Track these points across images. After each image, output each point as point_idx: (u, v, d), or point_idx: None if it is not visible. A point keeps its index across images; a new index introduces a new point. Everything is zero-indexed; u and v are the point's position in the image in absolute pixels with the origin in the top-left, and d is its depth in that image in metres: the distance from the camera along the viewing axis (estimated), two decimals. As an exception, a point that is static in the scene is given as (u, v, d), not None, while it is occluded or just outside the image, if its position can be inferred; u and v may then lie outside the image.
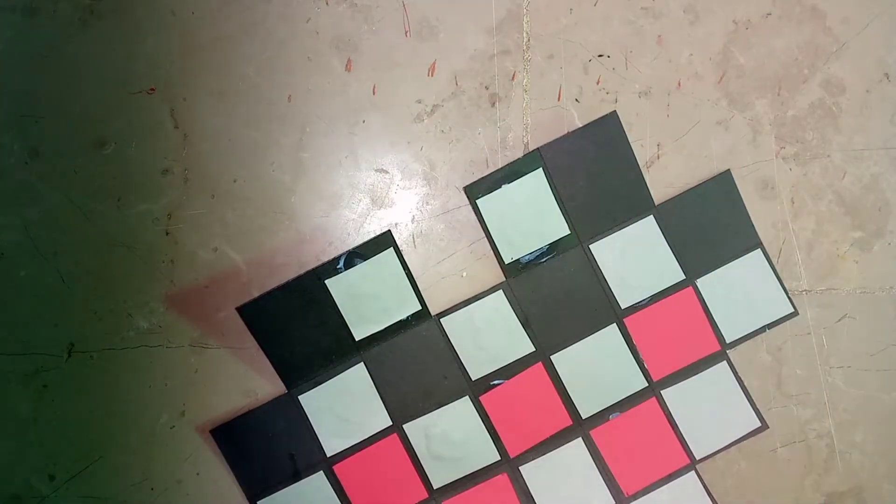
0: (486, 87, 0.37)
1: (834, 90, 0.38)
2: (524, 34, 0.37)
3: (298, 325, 0.37)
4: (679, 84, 0.37)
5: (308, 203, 0.37)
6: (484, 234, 0.37)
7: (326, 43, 0.37)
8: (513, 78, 0.37)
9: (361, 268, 0.37)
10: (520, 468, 0.38)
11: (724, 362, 0.38)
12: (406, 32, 0.37)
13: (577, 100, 0.37)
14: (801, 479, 0.39)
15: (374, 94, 0.37)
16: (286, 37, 0.37)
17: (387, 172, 0.37)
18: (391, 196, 0.37)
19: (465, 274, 0.37)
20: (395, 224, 0.37)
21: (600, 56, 0.37)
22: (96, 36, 0.36)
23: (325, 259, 0.37)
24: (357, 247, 0.37)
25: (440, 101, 0.37)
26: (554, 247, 0.37)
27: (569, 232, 0.37)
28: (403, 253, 0.37)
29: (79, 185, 0.37)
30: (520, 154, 0.37)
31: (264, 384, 0.37)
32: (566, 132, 0.37)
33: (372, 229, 0.37)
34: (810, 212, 0.38)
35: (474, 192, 0.37)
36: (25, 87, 0.36)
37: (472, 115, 0.37)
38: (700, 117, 0.37)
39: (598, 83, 0.37)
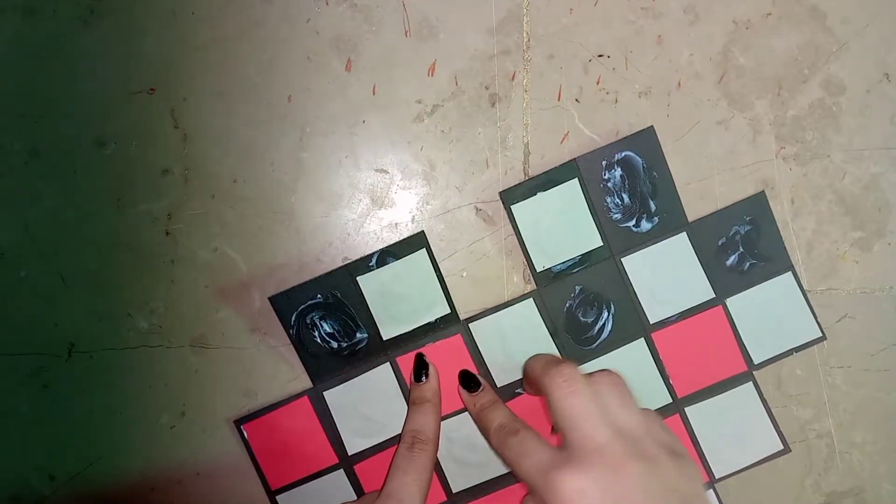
0: (486, 87, 0.37)
1: (834, 90, 0.38)
2: (524, 34, 0.37)
3: (328, 320, 0.37)
4: (679, 84, 0.37)
5: (308, 203, 0.37)
6: (480, 237, 0.37)
7: (326, 43, 0.37)
8: (513, 78, 0.37)
9: (393, 267, 0.37)
10: None
11: (750, 383, 0.38)
12: (406, 32, 0.37)
13: (577, 100, 0.37)
14: (801, 479, 0.39)
15: (374, 94, 0.37)
16: (286, 37, 0.37)
17: (387, 172, 0.37)
18: (391, 196, 0.37)
19: (465, 274, 0.37)
20: (395, 224, 0.37)
21: (600, 56, 0.37)
22: (96, 36, 0.36)
23: (325, 259, 0.37)
24: (390, 245, 0.37)
25: (440, 101, 0.37)
26: (586, 258, 0.37)
27: (601, 244, 0.37)
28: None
29: (79, 185, 0.37)
30: (520, 154, 0.37)
31: (264, 384, 0.37)
32: (603, 144, 0.36)
33: (372, 229, 0.37)
34: (810, 212, 0.38)
35: (510, 197, 0.37)
36: (25, 86, 0.36)
37: (472, 115, 0.37)
38: (700, 117, 0.37)
39: (598, 83, 0.37)
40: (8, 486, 0.38)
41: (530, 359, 0.35)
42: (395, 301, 0.37)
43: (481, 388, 0.36)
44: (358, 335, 0.37)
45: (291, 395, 0.37)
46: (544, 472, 0.27)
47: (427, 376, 0.36)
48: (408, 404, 0.37)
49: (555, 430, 0.28)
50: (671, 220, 0.37)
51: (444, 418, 0.37)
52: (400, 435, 0.36)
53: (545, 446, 0.29)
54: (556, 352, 0.37)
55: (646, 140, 0.37)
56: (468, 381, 0.36)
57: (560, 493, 0.26)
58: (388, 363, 0.37)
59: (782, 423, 0.38)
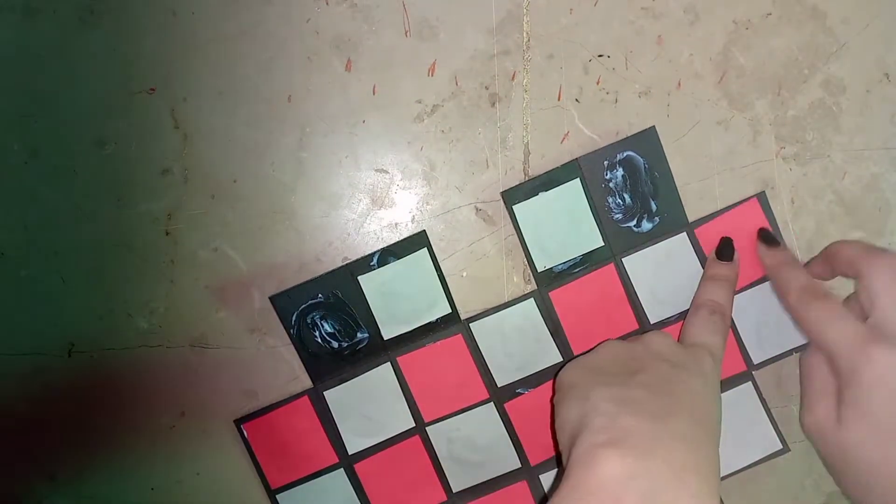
0: (486, 87, 0.37)
1: (834, 90, 0.38)
2: (524, 34, 0.37)
3: (329, 320, 0.37)
4: (679, 84, 0.37)
5: (308, 203, 0.37)
6: (480, 237, 0.37)
7: (326, 43, 0.37)
8: (513, 78, 0.37)
9: (395, 266, 0.37)
10: (539, 477, 0.38)
11: (749, 383, 0.38)
12: (406, 32, 0.37)
13: (577, 100, 0.37)
14: (801, 479, 0.39)
15: (374, 94, 0.37)
16: (286, 37, 0.37)
17: (387, 172, 0.37)
18: (391, 196, 0.37)
19: (465, 274, 0.37)
20: (395, 224, 0.37)
21: (600, 56, 0.37)
22: (96, 36, 0.36)
23: (325, 259, 0.37)
24: (391, 245, 0.37)
25: (440, 101, 0.37)
26: (587, 258, 0.37)
27: (602, 244, 0.37)
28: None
29: (79, 185, 0.37)
30: (520, 154, 0.37)
31: (264, 384, 0.37)
32: (603, 144, 0.36)
33: (372, 229, 0.37)
34: (810, 212, 0.38)
35: (511, 197, 0.37)
36: (25, 86, 0.36)
37: (472, 115, 0.37)
38: (700, 117, 0.37)
39: (598, 83, 0.37)
40: (9, 487, 0.38)
41: (841, 242, 0.35)
42: (396, 300, 0.37)
43: (781, 244, 0.36)
44: (359, 335, 0.37)
45: (291, 394, 0.37)
46: (859, 342, 0.27)
47: (733, 257, 0.36)
48: (702, 279, 0.36)
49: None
50: (672, 221, 0.37)
51: (443, 418, 0.38)
52: (692, 304, 0.35)
53: (853, 316, 0.29)
54: (556, 352, 0.38)
55: (647, 140, 0.37)
56: (768, 238, 0.36)
57: (876, 367, 0.26)
58: (388, 363, 0.37)
59: (782, 422, 0.38)
